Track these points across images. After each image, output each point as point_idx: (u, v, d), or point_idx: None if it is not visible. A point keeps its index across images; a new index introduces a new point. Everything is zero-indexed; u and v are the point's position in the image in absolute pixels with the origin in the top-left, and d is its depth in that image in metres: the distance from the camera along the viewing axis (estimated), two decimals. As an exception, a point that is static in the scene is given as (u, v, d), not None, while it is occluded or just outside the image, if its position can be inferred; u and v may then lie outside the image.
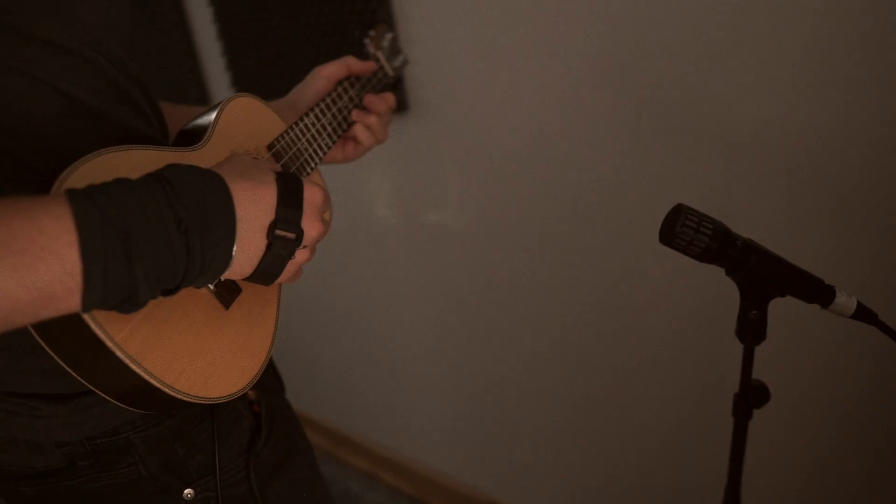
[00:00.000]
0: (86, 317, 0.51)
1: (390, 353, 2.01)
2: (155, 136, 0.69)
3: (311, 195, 0.62)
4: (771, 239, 0.80)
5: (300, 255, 0.63)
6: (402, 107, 1.52)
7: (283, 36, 1.71)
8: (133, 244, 0.47)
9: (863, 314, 0.75)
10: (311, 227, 0.62)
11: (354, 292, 2.01)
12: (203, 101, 2.07)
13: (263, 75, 1.82)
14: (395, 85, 1.07)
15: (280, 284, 0.70)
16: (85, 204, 0.46)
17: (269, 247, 0.59)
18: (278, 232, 0.59)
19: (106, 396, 0.57)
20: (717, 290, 1.21)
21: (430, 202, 1.64)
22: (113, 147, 0.58)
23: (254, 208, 0.57)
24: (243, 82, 1.90)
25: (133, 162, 0.59)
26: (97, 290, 0.46)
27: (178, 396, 0.57)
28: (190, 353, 0.58)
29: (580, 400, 1.59)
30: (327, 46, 1.61)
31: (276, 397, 0.85)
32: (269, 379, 0.86)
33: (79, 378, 0.56)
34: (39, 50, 0.58)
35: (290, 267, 0.62)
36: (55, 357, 0.55)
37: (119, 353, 0.52)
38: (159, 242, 0.49)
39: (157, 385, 0.55)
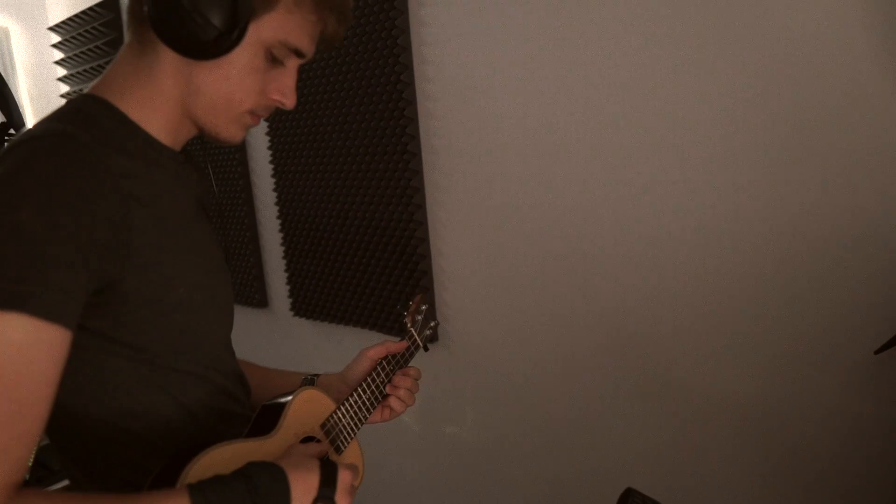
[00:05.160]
0: None
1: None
2: (243, 412, 0.97)
3: (343, 477, 0.88)
4: None
5: None
6: (431, 338, 1.82)
7: (337, 268, 2.08)
8: None
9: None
10: (342, 498, 0.88)
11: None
12: (263, 302, 2.43)
13: (318, 294, 2.18)
14: (431, 338, 1.30)
15: None
16: (199, 497, 0.74)
17: None
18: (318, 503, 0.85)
19: None
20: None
21: (448, 417, 1.90)
22: (217, 445, 0.86)
23: (303, 488, 0.83)
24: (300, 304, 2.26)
25: (230, 453, 0.86)
26: None
27: None
28: None
29: None
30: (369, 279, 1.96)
31: None
32: None
33: None
34: (177, 377, 0.88)
35: None
36: None
37: None
38: None
39: None
